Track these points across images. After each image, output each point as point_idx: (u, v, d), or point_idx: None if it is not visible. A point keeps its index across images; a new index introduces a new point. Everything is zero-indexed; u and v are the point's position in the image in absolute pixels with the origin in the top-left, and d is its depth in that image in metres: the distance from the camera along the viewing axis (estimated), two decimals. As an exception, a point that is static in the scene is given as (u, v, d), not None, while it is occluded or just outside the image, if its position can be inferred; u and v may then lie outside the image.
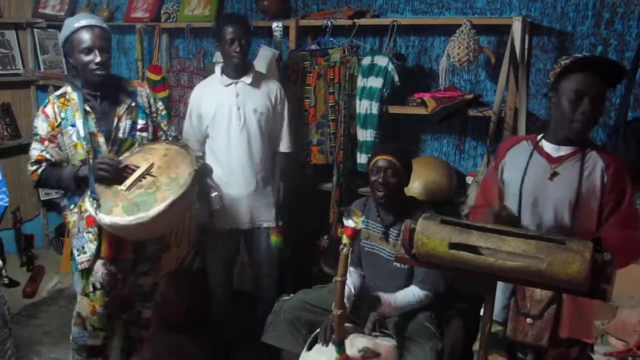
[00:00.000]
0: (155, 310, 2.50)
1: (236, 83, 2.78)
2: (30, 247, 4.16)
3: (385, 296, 2.31)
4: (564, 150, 1.91)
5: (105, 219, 2.01)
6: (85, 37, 2.14)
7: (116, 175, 2.11)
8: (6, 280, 2.54)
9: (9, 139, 4.15)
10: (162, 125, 2.39)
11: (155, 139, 2.36)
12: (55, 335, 3.16)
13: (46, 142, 2.22)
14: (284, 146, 2.92)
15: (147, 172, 2.14)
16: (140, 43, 3.82)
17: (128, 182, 2.10)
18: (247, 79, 2.78)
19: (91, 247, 2.24)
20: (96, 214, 2.03)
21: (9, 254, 4.00)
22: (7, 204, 2.36)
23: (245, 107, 2.77)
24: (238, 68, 2.77)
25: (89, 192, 2.10)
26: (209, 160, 2.85)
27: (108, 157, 2.15)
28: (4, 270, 2.49)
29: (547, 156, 1.93)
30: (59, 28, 4.34)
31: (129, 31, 4.04)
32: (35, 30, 4.29)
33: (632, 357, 2.45)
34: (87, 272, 2.28)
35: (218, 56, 3.63)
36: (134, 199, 2.05)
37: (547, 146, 1.95)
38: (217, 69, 2.85)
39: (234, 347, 3.12)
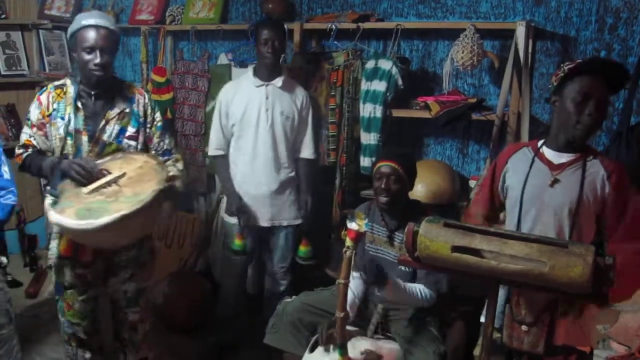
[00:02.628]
0: (144, 315, 2.45)
1: (267, 85, 2.86)
2: (34, 248, 4.17)
3: (394, 279, 2.26)
4: (566, 157, 1.91)
5: (53, 217, 1.97)
6: (90, 35, 2.12)
7: (88, 178, 2.07)
8: (9, 278, 2.55)
9: (13, 139, 4.16)
10: (155, 137, 2.34)
11: (142, 150, 2.31)
12: (58, 335, 3.16)
13: (35, 129, 2.23)
14: (308, 152, 2.98)
15: (114, 181, 2.10)
16: (145, 45, 3.84)
17: (92, 186, 2.06)
18: (278, 82, 2.86)
19: (53, 245, 2.25)
20: (48, 209, 2.00)
21: (12, 254, 3.99)
22: (14, 203, 2.37)
23: (274, 109, 2.86)
24: (270, 69, 2.85)
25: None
26: (235, 158, 2.94)
27: (87, 159, 2.13)
28: (7, 268, 2.51)
29: (549, 163, 1.93)
30: (64, 29, 4.37)
31: (134, 33, 4.05)
32: (40, 31, 4.30)
33: (634, 361, 2.45)
34: (56, 271, 2.29)
35: (222, 58, 3.65)
36: (91, 204, 2.01)
37: (548, 153, 1.95)
38: (250, 70, 2.94)
39: (235, 349, 3.12)
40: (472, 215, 2.14)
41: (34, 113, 2.23)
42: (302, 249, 2.94)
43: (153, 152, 2.33)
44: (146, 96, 2.36)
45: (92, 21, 2.14)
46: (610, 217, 1.89)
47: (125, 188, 2.08)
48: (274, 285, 3.07)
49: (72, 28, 2.19)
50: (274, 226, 2.98)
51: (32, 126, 2.23)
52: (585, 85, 1.81)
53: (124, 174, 2.12)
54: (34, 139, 2.23)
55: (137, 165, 2.18)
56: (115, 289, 2.38)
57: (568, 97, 1.84)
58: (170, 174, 2.25)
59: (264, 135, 2.86)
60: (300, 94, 2.93)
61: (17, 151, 2.25)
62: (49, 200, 2.05)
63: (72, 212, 1.97)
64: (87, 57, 2.14)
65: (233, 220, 2.96)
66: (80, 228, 1.93)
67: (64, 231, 2.08)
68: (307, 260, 2.97)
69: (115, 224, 1.92)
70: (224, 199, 3.09)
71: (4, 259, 2.50)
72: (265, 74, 2.86)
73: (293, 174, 2.96)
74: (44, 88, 2.27)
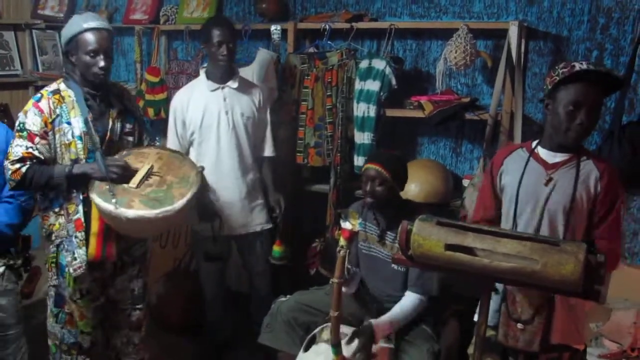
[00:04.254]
0: (147, 312, 2.48)
1: (223, 88, 2.77)
2: (28, 248, 4.14)
3: (380, 323, 2.28)
4: (560, 157, 1.94)
5: (128, 212, 2.03)
6: (93, 39, 2.11)
7: (125, 175, 2.14)
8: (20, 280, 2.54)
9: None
10: (144, 128, 2.43)
11: (139, 143, 2.37)
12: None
13: (37, 139, 2.12)
14: (269, 150, 2.93)
15: (150, 173, 2.19)
16: (139, 45, 3.84)
17: (136, 179, 2.14)
18: (234, 84, 2.78)
19: (81, 253, 2.19)
20: (116, 208, 2.03)
21: (6, 254, 3.99)
22: (32, 206, 2.37)
23: (234, 111, 2.77)
24: (224, 72, 2.76)
25: (94, 190, 2.10)
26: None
27: (117, 158, 2.17)
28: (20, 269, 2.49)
29: (543, 162, 1.96)
30: (57, 29, 4.35)
31: (128, 33, 4.05)
32: (34, 31, 4.30)
33: (625, 359, 2.47)
34: (74, 279, 2.24)
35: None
36: (150, 195, 2.12)
37: (543, 152, 1.97)
38: (202, 73, 2.84)
39: (230, 348, 3.12)
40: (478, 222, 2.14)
41: (35, 121, 2.11)
42: (276, 249, 2.87)
43: (147, 142, 2.41)
44: (129, 91, 2.43)
45: (93, 24, 2.13)
46: (596, 217, 1.92)
47: (166, 176, 2.21)
48: (256, 292, 2.99)
49: (71, 31, 2.15)
50: (248, 233, 2.87)
51: (31, 136, 2.11)
52: (578, 94, 1.82)
53: (152, 167, 2.22)
54: (36, 150, 2.11)
55: (155, 157, 2.27)
56: (121, 288, 2.37)
57: (560, 104, 1.85)
58: None
59: (226, 139, 2.76)
60: (256, 92, 2.87)
61: (12, 167, 2.10)
62: (105, 201, 2.06)
63: (139, 205, 2.07)
64: (91, 60, 2.12)
65: (203, 230, 2.80)
66: (161, 216, 2.05)
67: (131, 224, 2.08)
68: (281, 261, 2.90)
69: (188, 204, 2.11)
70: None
71: (19, 262, 2.48)
72: (219, 76, 2.77)
73: (259, 175, 2.90)
74: (39, 95, 2.17)
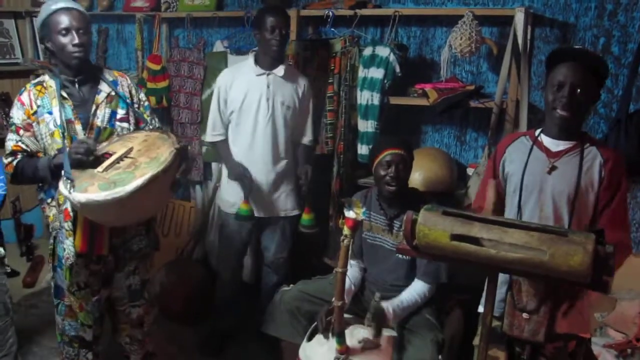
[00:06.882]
0: (148, 307, 2.42)
1: (268, 74, 2.79)
2: (30, 237, 4.16)
3: (391, 307, 2.26)
4: (563, 145, 1.92)
5: (79, 196, 1.91)
6: (63, 18, 2.09)
7: (92, 159, 2.03)
8: (8, 270, 2.52)
9: (7, 128, 4.13)
10: (145, 116, 2.33)
11: (136, 129, 2.28)
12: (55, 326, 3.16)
13: (22, 131, 2.14)
14: (308, 139, 2.96)
15: (125, 155, 2.07)
16: (140, 33, 3.81)
17: (105, 164, 2.02)
18: (280, 71, 2.79)
19: (68, 244, 2.16)
20: (69, 193, 1.93)
21: (8, 243, 3.96)
22: (5, 192, 2.34)
23: (275, 99, 2.80)
24: (273, 59, 2.78)
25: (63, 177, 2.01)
26: (232, 146, 2.89)
27: (83, 139, 2.07)
28: (5, 260, 2.47)
29: (547, 150, 1.94)
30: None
31: (129, 20, 4.01)
32: (34, 19, 4.27)
33: (631, 348, 2.46)
34: (69, 270, 2.20)
35: (218, 46, 3.61)
36: (112, 177, 1.97)
37: (546, 140, 1.96)
38: (251, 57, 2.86)
39: (233, 338, 3.13)
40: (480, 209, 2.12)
41: (18, 115, 2.14)
42: (305, 217, 2.88)
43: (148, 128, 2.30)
44: (127, 78, 2.33)
45: (61, 4, 2.11)
46: (601, 204, 1.90)
47: (139, 158, 2.04)
48: (271, 276, 3.05)
49: (41, 16, 2.13)
50: (271, 217, 2.94)
51: (17, 130, 2.14)
52: (560, 73, 1.85)
53: (131, 149, 2.09)
54: (23, 143, 2.14)
55: (141, 140, 2.15)
56: (119, 285, 2.33)
57: (548, 86, 1.88)
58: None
59: (263, 125, 2.80)
60: (302, 82, 2.89)
61: (6, 160, 2.15)
62: (64, 186, 1.96)
63: (95, 189, 1.91)
64: (65, 39, 2.09)
65: (230, 209, 2.92)
66: (111, 199, 1.86)
67: (89, 211, 1.99)
68: (310, 229, 2.90)
69: (144, 187, 1.88)
70: (221, 184, 3.07)
71: (1, 250, 2.46)
72: (268, 62, 2.79)
73: (291, 163, 2.92)
74: (23, 89, 2.18)
